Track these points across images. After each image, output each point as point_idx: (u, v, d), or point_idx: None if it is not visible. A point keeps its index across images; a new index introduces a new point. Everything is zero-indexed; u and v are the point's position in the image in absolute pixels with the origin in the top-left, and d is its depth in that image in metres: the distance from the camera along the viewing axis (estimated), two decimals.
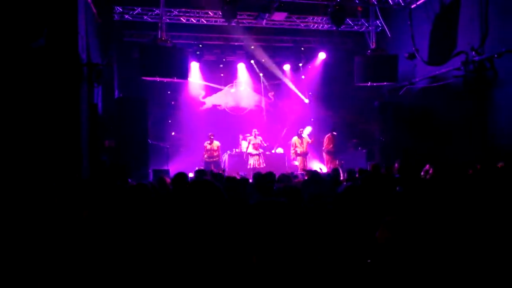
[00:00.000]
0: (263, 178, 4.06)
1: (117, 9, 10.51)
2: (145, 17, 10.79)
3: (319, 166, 12.10)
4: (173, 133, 13.57)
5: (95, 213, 2.82)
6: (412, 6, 9.96)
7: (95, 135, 7.81)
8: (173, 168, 11.04)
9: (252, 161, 11.92)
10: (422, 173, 6.60)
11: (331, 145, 11.76)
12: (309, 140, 11.98)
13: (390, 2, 10.40)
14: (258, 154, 11.95)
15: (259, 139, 12.08)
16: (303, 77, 14.22)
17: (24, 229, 2.77)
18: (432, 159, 7.23)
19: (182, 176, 4.79)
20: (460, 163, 6.13)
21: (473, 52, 7.62)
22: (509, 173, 4.61)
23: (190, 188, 2.05)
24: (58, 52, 6.13)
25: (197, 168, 9.14)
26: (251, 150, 11.98)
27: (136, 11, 10.66)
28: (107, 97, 9.97)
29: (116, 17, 10.62)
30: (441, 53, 8.82)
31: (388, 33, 10.83)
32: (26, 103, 5.83)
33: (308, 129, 12.54)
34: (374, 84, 10.52)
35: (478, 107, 7.62)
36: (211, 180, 2.22)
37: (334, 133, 11.75)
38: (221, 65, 14.04)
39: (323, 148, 11.99)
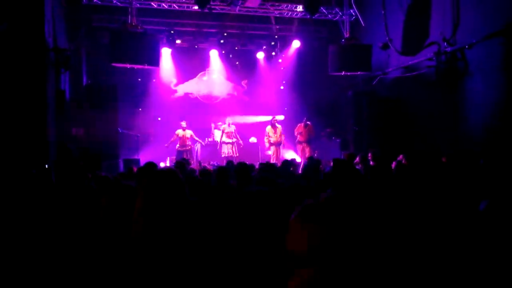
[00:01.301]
0: (245, 167, 3.98)
1: None
2: (114, 1, 10.34)
3: (292, 155, 12.13)
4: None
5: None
6: None
7: (62, 123, 7.47)
8: (143, 158, 10.76)
9: (225, 150, 11.81)
10: (394, 163, 6.71)
11: (304, 134, 11.79)
12: (282, 135, 11.91)
13: None
14: (232, 143, 11.85)
15: (232, 128, 11.97)
16: (280, 60, 14.12)
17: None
18: (405, 148, 7.37)
19: (150, 166, 4.62)
20: (432, 152, 6.26)
21: (445, 43, 7.76)
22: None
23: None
24: (23, 36, 5.76)
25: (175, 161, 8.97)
26: (224, 138, 11.86)
27: None
28: (75, 83, 9.55)
29: (84, 0, 10.11)
30: (414, 43, 8.95)
31: (362, 22, 10.89)
32: None
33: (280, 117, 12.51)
34: (348, 74, 10.58)
35: (449, 97, 7.80)
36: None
37: (308, 122, 11.78)
38: (193, 52, 13.74)
39: (296, 137, 12.00)
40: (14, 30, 5.65)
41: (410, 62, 9.09)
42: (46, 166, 5.40)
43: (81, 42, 10.03)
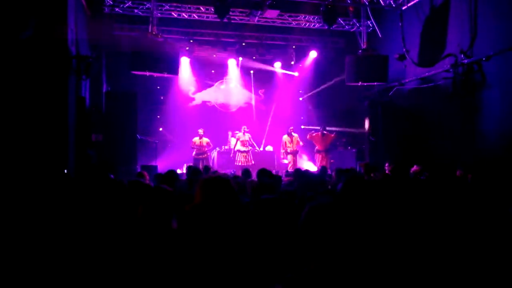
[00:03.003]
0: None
1: (108, 1, 10.35)
2: (135, 10, 10.65)
3: (309, 165, 12.12)
4: (160, 129, 13.45)
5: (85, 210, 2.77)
6: (403, 8, 10.02)
7: (82, 129, 7.69)
8: (161, 164, 10.95)
9: (240, 158, 11.86)
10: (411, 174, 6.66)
11: (321, 143, 11.76)
12: (301, 143, 11.92)
13: (382, 3, 10.45)
14: (247, 151, 11.90)
15: (247, 136, 12.04)
16: (296, 74, 14.20)
17: (13, 226, 2.71)
18: (421, 160, 7.30)
19: (172, 174, 4.76)
20: (448, 164, 6.19)
21: (462, 55, 7.69)
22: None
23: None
24: (47, 44, 6.00)
25: (188, 165, 9.09)
26: (239, 147, 11.93)
27: (126, 4, 10.51)
28: (95, 90, 9.83)
29: (106, 9, 10.45)
30: (431, 55, 8.89)
31: (379, 33, 10.88)
32: (13, 95, 5.70)
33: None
34: (365, 84, 10.57)
35: (466, 109, 7.70)
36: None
37: (325, 131, 11.77)
38: (212, 61, 13.96)
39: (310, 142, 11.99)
40: (39, 37, 5.89)
41: (426, 74, 9.03)
42: (65, 171, 5.58)
43: (102, 50, 10.33)
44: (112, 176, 4.71)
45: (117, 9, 10.54)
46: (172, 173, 4.79)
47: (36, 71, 5.89)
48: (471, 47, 7.62)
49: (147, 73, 9.86)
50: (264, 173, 5.11)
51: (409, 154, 8.80)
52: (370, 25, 11.26)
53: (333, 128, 12.04)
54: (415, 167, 6.68)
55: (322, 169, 7.93)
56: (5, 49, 5.63)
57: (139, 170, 9.72)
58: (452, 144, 7.95)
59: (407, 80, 9.95)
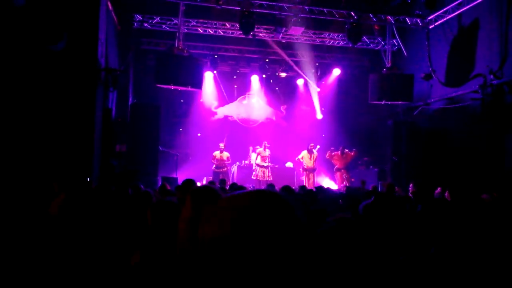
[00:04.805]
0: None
1: (137, 17, 10.65)
2: (163, 26, 10.92)
3: (329, 183, 11.98)
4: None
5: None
6: (430, 27, 9.93)
7: (107, 139, 7.84)
8: (181, 176, 11.01)
9: (259, 173, 11.81)
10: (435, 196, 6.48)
11: (341, 162, 11.64)
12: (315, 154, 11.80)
13: (408, 21, 10.40)
14: (266, 167, 11.85)
15: (267, 152, 12.01)
16: (318, 89, 14.18)
17: (35, 229, 2.75)
18: (445, 182, 7.10)
19: (189, 183, 4.74)
20: (474, 188, 6.00)
21: (492, 75, 7.53)
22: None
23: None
24: (77, 56, 6.20)
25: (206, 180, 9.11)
26: (259, 161, 11.90)
27: (155, 20, 10.79)
28: (121, 102, 10.05)
29: (135, 25, 10.76)
30: (458, 75, 8.74)
31: (405, 52, 10.79)
32: (44, 104, 5.88)
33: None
34: (389, 103, 10.45)
35: (495, 131, 7.49)
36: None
37: (346, 150, 11.65)
38: (235, 76, 14.11)
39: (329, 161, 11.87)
40: (70, 50, 6.09)
41: (453, 94, 8.87)
42: (88, 179, 5.68)
43: (130, 63, 10.60)
44: (141, 186, 4.77)
45: (146, 24, 10.83)
46: (189, 182, 4.76)
47: (66, 82, 6.08)
48: (501, 68, 7.45)
49: (172, 87, 10.04)
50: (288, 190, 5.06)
51: (432, 175, 8.59)
52: (396, 43, 11.19)
53: (355, 147, 11.91)
54: (439, 189, 6.52)
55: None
56: (39, 60, 5.84)
57: (159, 181, 9.84)
58: (479, 167, 7.72)
59: (432, 100, 9.79)
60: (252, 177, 11.68)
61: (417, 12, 10.05)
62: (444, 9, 9.56)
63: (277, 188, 6.29)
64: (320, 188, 6.69)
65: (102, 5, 7.06)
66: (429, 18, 10.01)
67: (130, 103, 11.10)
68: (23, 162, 5.57)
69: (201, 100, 13.81)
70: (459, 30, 9.06)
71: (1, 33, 5.51)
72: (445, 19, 9.61)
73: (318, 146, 12.18)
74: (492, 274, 2.01)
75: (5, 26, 5.51)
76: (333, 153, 11.62)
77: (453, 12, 9.31)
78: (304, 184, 11.42)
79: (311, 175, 11.70)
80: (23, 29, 5.69)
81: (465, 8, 8.85)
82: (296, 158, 11.91)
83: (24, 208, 3.42)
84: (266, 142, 12.16)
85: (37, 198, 4.01)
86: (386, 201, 3.25)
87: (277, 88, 14.40)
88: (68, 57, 6.13)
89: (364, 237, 1.65)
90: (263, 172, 11.80)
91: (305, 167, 11.72)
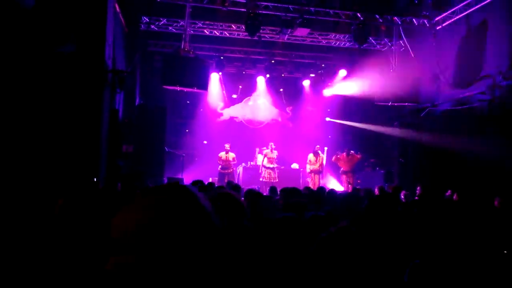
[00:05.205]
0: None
1: (144, 19, 10.70)
2: (170, 28, 10.96)
3: (335, 185, 11.93)
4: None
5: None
6: (438, 28, 9.87)
7: (114, 140, 7.88)
8: (187, 177, 11.04)
9: (266, 175, 11.81)
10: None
11: (346, 164, 11.59)
12: (324, 159, 11.79)
13: (415, 22, 10.34)
14: (272, 168, 11.84)
15: (275, 154, 12.01)
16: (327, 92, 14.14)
17: (43, 230, 2.76)
18: (453, 184, 7.05)
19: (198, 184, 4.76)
20: (483, 191, 5.94)
21: (500, 77, 7.46)
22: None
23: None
24: (85, 57, 6.23)
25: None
26: (266, 163, 11.89)
27: (162, 22, 10.83)
28: (128, 103, 10.09)
29: (142, 27, 10.81)
30: (466, 76, 8.67)
31: (412, 53, 10.73)
32: (51, 105, 5.92)
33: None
34: (395, 104, 10.39)
35: (504, 133, 7.41)
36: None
37: (351, 151, 11.60)
38: (241, 78, 14.13)
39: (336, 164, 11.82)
40: (78, 52, 6.13)
41: (461, 95, 8.80)
42: (95, 179, 5.71)
43: (137, 65, 10.65)
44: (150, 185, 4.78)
45: (152, 26, 10.87)
46: (197, 183, 4.78)
47: (74, 83, 6.12)
48: (510, 69, 7.38)
49: (178, 88, 10.06)
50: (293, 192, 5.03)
51: (440, 177, 8.52)
52: (402, 44, 11.14)
53: (361, 149, 11.85)
54: (449, 192, 6.47)
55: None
56: (48, 62, 5.88)
57: (165, 182, 9.86)
58: (487, 170, 7.64)
59: (440, 102, 9.72)
60: (260, 179, 11.68)
61: (424, 13, 10.00)
62: (452, 10, 9.50)
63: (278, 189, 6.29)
64: (321, 189, 6.66)
65: (110, 7, 7.09)
66: (436, 19, 9.95)
67: (136, 104, 11.15)
68: (31, 162, 5.61)
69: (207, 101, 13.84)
70: (467, 30, 8.99)
71: (10, 35, 5.56)
72: (452, 20, 9.55)
73: (326, 148, 12.15)
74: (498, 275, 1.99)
75: (13, 29, 5.56)
76: (339, 156, 11.59)
77: (460, 13, 9.24)
78: (310, 185, 11.40)
79: (317, 177, 11.67)
80: (31, 32, 5.74)
81: (473, 9, 8.78)
82: (308, 169, 11.83)
83: (31, 208, 3.44)
84: (272, 144, 12.15)
85: (44, 198, 4.03)
86: (379, 205, 3.20)
87: (281, 89, 14.37)
88: (76, 59, 6.17)
89: (360, 243, 1.69)
90: (270, 174, 11.79)
91: (311, 169, 11.69)
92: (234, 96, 13.95)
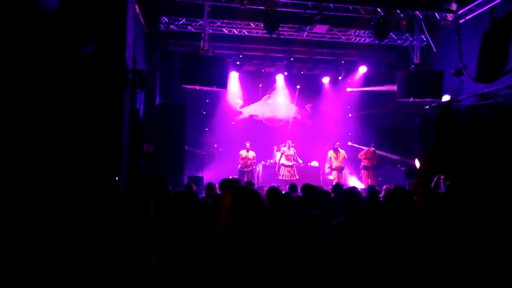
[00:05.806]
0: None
1: (163, 19, 10.84)
2: (189, 27, 11.07)
3: (355, 181, 11.82)
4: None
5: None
6: (461, 21, 9.62)
7: (135, 139, 8.02)
8: (207, 176, 11.14)
9: (284, 172, 11.75)
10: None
11: (368, 161, 11.46)
12: (345, 155, 11.71)
13: (437, 16, 10.11)
14: (291, 166, 11.79)
15: (292, 151, 11.94)
16: (348, 89, 13.98)
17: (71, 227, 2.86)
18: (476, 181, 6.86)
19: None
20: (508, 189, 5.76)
21: None
22: None
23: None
24: (106, 58, 6.37)
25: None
26: (283, 161, 11.84)
27: (181, 22, 10.95)
28: (148, 103, 10.26)
29: (162, 27, 10.96)
30: (491, 70, 8.42)
31: (434, 48, 10.50)
32: (73, 105, 6.09)
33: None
34: (417, 100, 10.19)
35: None
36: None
37: (373, 148, 11.46)
38: (260, 76, 14.13)
39: (361, 162, 11.71)
40: (99, 53, 6.27)
41: (485, 90, 8.55)
42: (116, 178, 5.83)
43: (157, 64, 10.81)
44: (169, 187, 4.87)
45: (172, 26, 11.01)
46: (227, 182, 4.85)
47: (95, 84, 6.27)
48: None
49: (197, 87, 10.16)
50: (309, 188, 5.03)
51: (463, 174, 8.31)
52: (424, 39, 10.91)
53: (382, 145, 11.70)
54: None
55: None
56: (70, 63, 6.04)
57: (186, 180, 9.98)
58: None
59: (463, 97, 9.47)
60: (279, 177, 11.65)
61: (447, 6, 9.75)
62: (476, 2, 9.24)
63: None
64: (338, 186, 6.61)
65: (130, 8, 7.22)
66: (459, 13, 9.70)
67: (157, 103, 11.32)
68: (55, 161, 5.79)
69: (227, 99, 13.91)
70: (491, 23, 8.73)
71: (33, 38, 5.74)
72: (476, 13, 9.28)
73: (350, 143, 12.07)
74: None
75: (36, 31, 5.74)
76: (366, 151, 11.53)
77: (484, 6, 8.98)
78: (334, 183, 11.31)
79: (339, 174, 11.58)
80: (54, 35, 5.91)
81: (497, 1, 8.52)
82: (327, 169, 11.79)
83: (57, 206, 3.56)
84: (290, 141, 12.11)
85: (71, 196, 4.16)
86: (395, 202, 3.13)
87: (298, 86, 14.25)
88: (97, 60, 6.32)
89: (362, 240, 1.87)
90: (289, 172, 11.72)
91: (333, 166, 11.62)
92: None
